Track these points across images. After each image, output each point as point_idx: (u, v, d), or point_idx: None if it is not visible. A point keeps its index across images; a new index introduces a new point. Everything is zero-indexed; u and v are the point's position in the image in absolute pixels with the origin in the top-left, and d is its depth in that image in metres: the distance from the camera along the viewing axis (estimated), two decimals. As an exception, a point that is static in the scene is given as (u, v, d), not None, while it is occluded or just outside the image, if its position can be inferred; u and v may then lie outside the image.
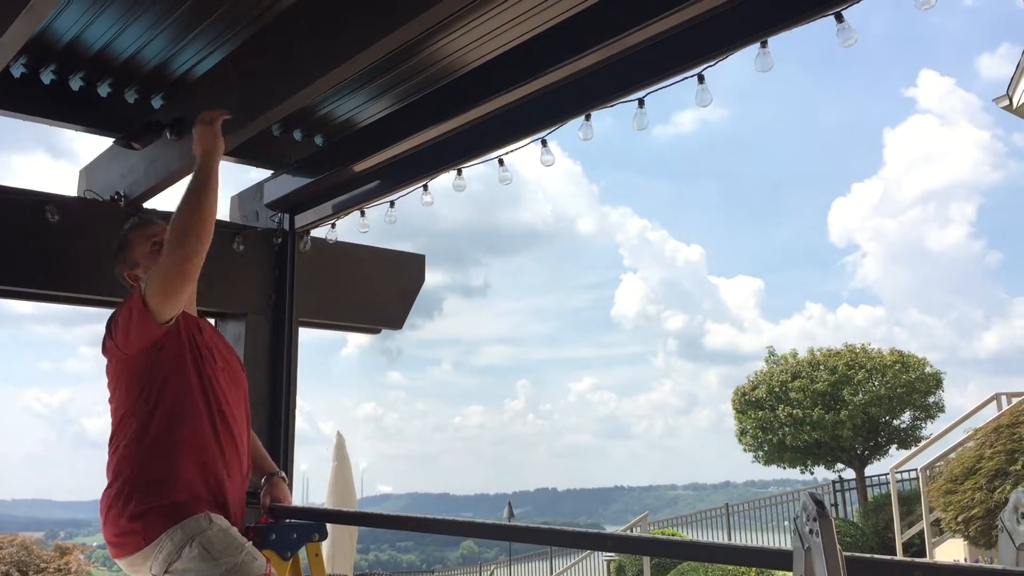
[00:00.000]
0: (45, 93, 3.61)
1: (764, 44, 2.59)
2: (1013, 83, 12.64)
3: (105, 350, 2.82)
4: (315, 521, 3.06)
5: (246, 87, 3.26)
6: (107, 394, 2.82)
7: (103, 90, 3.68)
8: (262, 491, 3.06)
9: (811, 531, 1.60)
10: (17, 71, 3.49)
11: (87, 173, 4.08)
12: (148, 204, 3.84)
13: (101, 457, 2.82)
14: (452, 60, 3.53)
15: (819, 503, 1.65)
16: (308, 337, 4.54)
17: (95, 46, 3.40)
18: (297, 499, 3.53)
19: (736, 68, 2.78)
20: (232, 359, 3.03)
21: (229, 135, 3.27)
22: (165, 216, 3.06)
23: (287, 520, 3.01)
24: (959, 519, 11.10)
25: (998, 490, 10.62)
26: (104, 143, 3.97)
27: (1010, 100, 12.80)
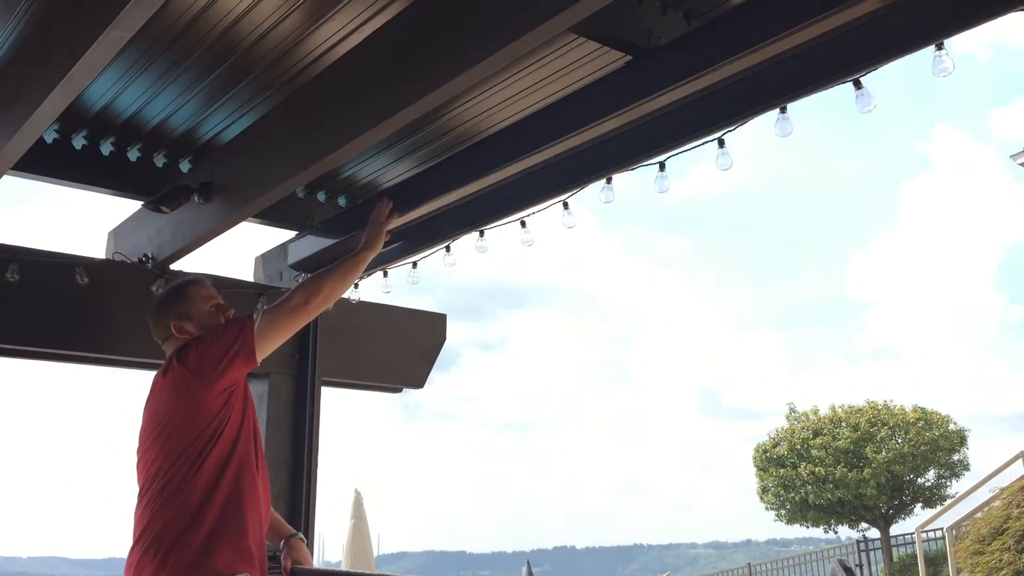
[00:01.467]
0: (77, 158, 3.69)
1: (783, 110, 2.63)
2: (1030, 139, 12.67)
3: (161, 387, 2.80)
4: (337, 584, 3.04)
5: (272, 152, 3.32)
6: (136, 446, 2.80)
7: (133, 155, 3.76)
8: (282, 554, 3.05)
9: (841, 598, 1.59)
10: (50, 137, 3.58)
11: (115, 235, 4.14)
12: (175, 266, 3.90)
13: (116, 514, 2.79)
14: (474, 124, 3.59)
15: (848, 570, 1.64)
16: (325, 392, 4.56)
17: (126, 113, 3.49)
18: (313, 558, 3.52)
19: (754, 125, 2.81)
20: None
21: (255, 198, 3.35)
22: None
23: (309, 582, 3.00)
24: (987, 581, 10.88)
25: (1027, 551, 10.41)
26: (133, 206, 4.04)
27: (1027, 156, 12.82)
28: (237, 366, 2.71)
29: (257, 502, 2.76)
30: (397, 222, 3.37)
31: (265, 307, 3.08)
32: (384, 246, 3.97)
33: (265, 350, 2.78)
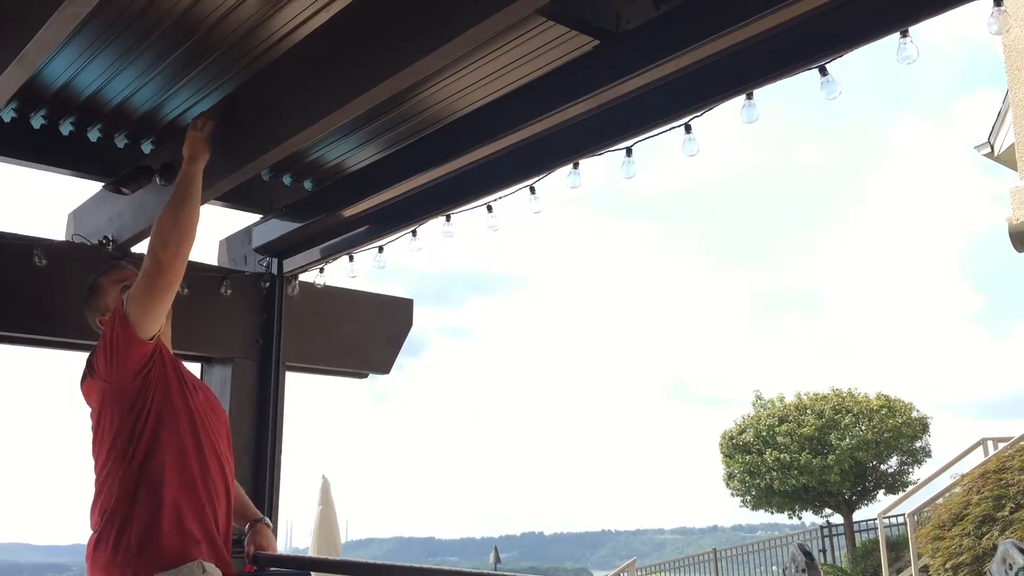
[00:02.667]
0: (35, 138, 3.61)
1: (750, 96, 2.63)
2: (994, 131, 12.82)
3: (87, 392, 2.79)
4: (300, 570, 3.03)
5: (236, 134, 3.27)
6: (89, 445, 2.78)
7: (93, 135, 3.70)
8: (246, 538, 3.03)
9: (800, 582, 1.60)
10: (7, 116, 3.50)
11: (75, 217, 4.08)
12: (136, 248, 3.84)
13: (81, 500, 2.78)
14: (441, 108, 3.56)
15: (807, 554, 1.65)
16: (291, 377, 4.53)
17: (86, 92, 3.42)
18: (281, 544, 3.49)
19: (720, 111, 2.82)
20: (211, 394, 3.02)
21: (219, 180, 3.30)
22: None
23: (271, 568, 2.97)
24: (947, 565, 11.06)
25: (986, 536, 10.60)
26: (93, 187, 3.97)
27: (991, 147, 12.98)
28: (131, 351, 2.63)
29: (206, 483, 2.71)
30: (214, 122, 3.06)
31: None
32: (349, 230, 3.95)
33: (150, 323, 2.64)
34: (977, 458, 14.17)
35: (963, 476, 12.36)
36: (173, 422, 2.68)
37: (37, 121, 3.56)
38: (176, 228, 2.68)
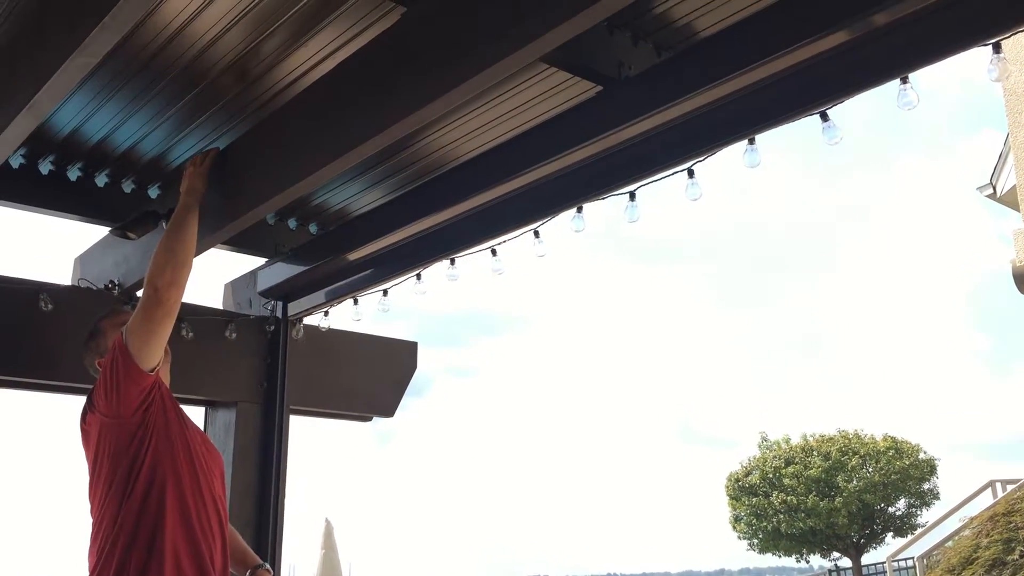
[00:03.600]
0: (43, 183, 3.64)
1: (752, 141, 2.66)
2: (996, 172, 12.88)
3: (86, 430, 2.78)
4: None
5: (241, 179, 3.30)
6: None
7: (100, 180, 3.72)
8: (248, 585, 3.00)
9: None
10: (16, 162, 3.53)
11: (81, 262, 4.09)
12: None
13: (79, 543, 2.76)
14: (444, 152, 3.59)
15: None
16: (294, 420, 4.52)
17: (94, 138, 3.45)
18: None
19: (723, 156, 2.84)
20: (205, 436, 3.01)
21: (225, 224, 3.32)
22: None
23: (274, 616, 2.94)
24: (958, 610, 10.91)
25: (996, 580, 10.47)
26: (99, 232, 4.00)
27: (993, 188, 13.02)
28: (132, 384, 2.62)
29: (201, 522, 2.67)
30: (215, 153, 3.08)
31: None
32: (354, 274, 3.97)
33: (150, 353, 2.64)
34: (986, 500, 14.05)
35: (972, 519, 12.24)
36: (171, 460, 2.65)
37: (45, 167, 3.59)
38: (172, 257, 2.71)
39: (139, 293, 3.79)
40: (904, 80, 2.31)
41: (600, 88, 2.94)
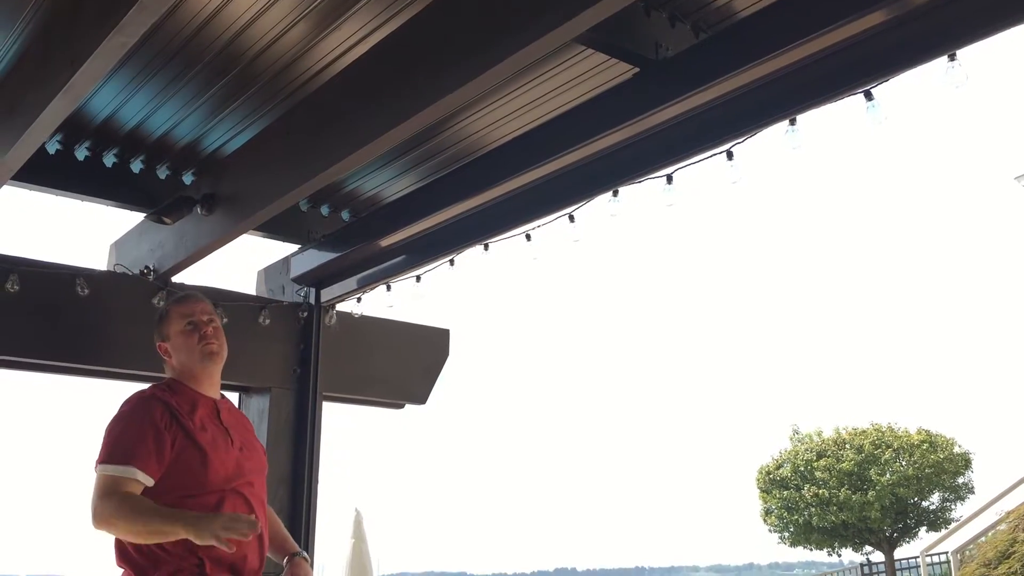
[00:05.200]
0: (79, 169, 3.66)
1: (793, 121, 2.61)
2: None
3: None
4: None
5: (275, 165, 3.30)
6: None
7: (135, 166, 3.74)
8: (284, 572, 3.00)
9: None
10: (52, 148, 3.55)
11: (117, 247, 4.12)
12: (177, 278, 3.87)
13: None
14: (478, 137, 3.57)
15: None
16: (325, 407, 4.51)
17: (129, 124, 3.47)
18: (316, 578, 3.46)
19: (763, 137, 2.78)
20: (249, 436, 3.00)
21: (258, 211, 3.33)
22: (208, 292, 3.26)
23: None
24: (994, 605, 10.77)
25: (1034, 575, 10.32)
26: (135, 218, 4.02)
27: (1032, 177, 12.81)
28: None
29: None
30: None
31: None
32: (386, 260, 3.95)
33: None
34: (1022, 495, 13.84)
35: (1008, 513, 12.07)
36: (190, 468, 2.67)
37: (81, 153, 3.61)
38: (117, 529, 2.55)
39: (174, 279, 3.82)
40: (952, 57, 2.25)
41: (637, 70, 2.90)
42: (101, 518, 2.54)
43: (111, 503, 2.53)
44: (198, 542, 2.42)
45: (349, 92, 2.99)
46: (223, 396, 3.01)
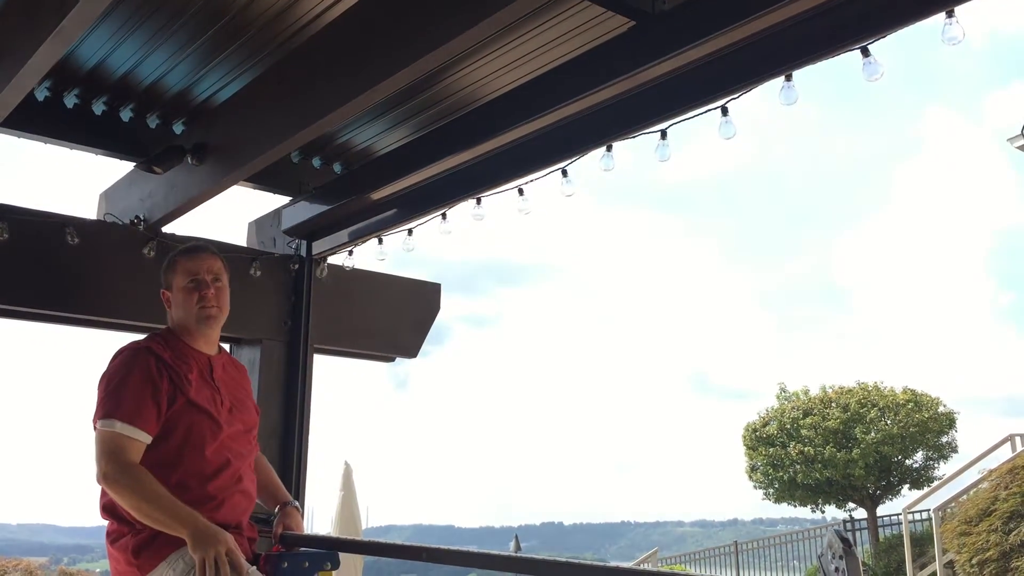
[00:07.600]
0: (68, 117, 3.63)
1: (788, 77, 2.59)
2: (1028, 123, 12.63)
3: None
4: (327, 550, 3.02)
5: (266, 114, 3.27)
6: None
7: (125, 115, 3.70)
8: (275, 520, 3.03)
9: (837, 569, 1.57)
10: (41, 94, 3.51)
11: (107, 196, 4.09)
12: (167, 228, 3.85)
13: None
14: (471, 91, 3.54)
15: (845, 540, 1.62)
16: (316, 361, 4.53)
17: (119, 71, 3.43)
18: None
19: (756, 94, 2.77)
20: (241, 394, 3.00)
21: (248, 161, 3.30)
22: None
23: (299, 548, 2.98)
24: (973, 561, 10.95)
25: (1014, 532, 10.48)
26: (125, 167, 3.99)
27: (1025, 139, 12.79)
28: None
29: (216, 473, 2.72)
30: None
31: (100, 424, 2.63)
32: (378, 213, 3.94)
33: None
34: (1004, 454, 14.02)
35: (990, 471, 12.21)
36: (173, 418, 2.68)
37: (70, 100, 3.57)
38: (133, 508, 2.54)
39: (165, 229, 3.80)
40: (950, 14, 2.23)
41: (633, 23, 2.87)
42: (113, 481, 2.55)
43: (129, 476, 2.54)
44: (190, 551, 2.45)
45: (341, 42, 2.96)
46: (221, 350, 3.01)
